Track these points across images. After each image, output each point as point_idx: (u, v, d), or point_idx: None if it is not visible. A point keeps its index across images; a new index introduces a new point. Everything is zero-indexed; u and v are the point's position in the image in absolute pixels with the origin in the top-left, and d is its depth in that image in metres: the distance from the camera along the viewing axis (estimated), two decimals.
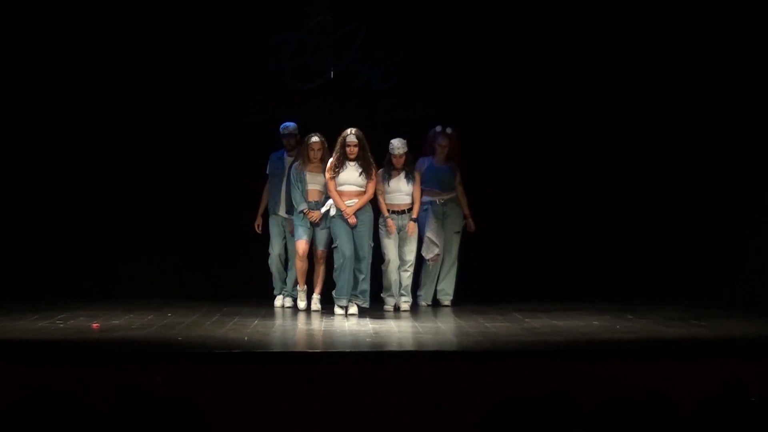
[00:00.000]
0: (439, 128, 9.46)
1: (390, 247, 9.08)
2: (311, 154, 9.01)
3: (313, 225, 9.07)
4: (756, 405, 4.63)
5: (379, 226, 9.11)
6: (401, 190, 9.09)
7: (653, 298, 9.64)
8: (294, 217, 9.18)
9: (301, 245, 9.09)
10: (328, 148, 9.01)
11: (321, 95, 10.18)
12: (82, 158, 10.04)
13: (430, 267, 9.44)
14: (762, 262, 8.92)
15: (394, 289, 9.10)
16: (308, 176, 9.04)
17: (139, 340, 7.18)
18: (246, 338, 7.24)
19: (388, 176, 9.09)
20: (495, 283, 10.11)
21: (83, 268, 10.01)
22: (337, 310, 8.80)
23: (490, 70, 10.13)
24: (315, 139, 9.03)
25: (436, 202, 9.39)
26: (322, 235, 9.09)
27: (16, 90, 9.93)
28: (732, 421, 4.55)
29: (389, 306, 9.10)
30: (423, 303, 9.49)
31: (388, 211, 9.08)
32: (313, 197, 9.06)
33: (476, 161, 9.71)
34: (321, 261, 9.17)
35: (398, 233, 9.10)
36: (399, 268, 9.11)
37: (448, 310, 9.23)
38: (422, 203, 9.22)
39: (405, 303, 9.14)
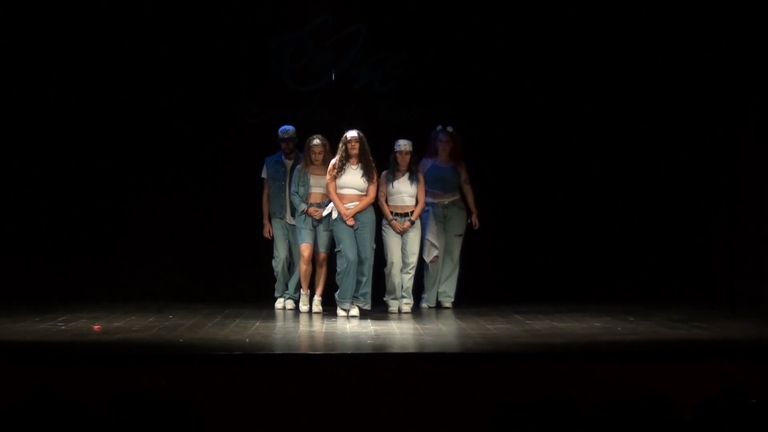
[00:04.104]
0: (440, 127, 9.47)
1: (393, 249, 9.07)
2: (312, 156, 8.99)
3: (314, 224, 9.05)
4: (757, 407, 4.62)
5: (383, 228, 9.11)
6: (404, 192, 9.09)
7: (653, 300, 9.63)
8: (296, 220, 9.18)
9: (306, 248, 9.06)
10: (330, 150, 9.00)
11: (321, 97, 10.16)
12: (82, 159, 10.02)
13: (431, 269, 9.43)
14: (762, 263, 8.91)
15: (398, 292, 9.10)
16: (312, 179, 9.02)
17: (141, 342, 7.19)
18: (247, 340, 7.25)
19: (392, 177, 9.09)
20: (496, 285, 10.08)
21: (84, 270, 9.99)
22: (340, 313, 8.78)
23: (490, 71, 10.12)
24: (316, 141, 9.01)
25: (437, 204, 9.38)
26: (323, 238, 9.08)
27: (16, 90, 9.93)
28: (732, 423, 4.55)
29: (393, 308, 9.09)
30: (425, 305, 9.48)
31: (391, 213, 9.10)
32: (316, 199, 9.03)
33: (476, 162, 9.69)
34: (322, 263, 9.16)
35: (401, 235, 9.11)
36: (401, 270, 9.12)
37: (449, 312, 9.22)
38: (424, 205, 9.22)
39: (406, 305, 9.13)
